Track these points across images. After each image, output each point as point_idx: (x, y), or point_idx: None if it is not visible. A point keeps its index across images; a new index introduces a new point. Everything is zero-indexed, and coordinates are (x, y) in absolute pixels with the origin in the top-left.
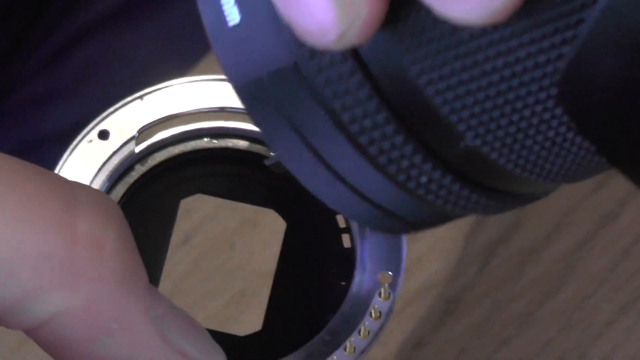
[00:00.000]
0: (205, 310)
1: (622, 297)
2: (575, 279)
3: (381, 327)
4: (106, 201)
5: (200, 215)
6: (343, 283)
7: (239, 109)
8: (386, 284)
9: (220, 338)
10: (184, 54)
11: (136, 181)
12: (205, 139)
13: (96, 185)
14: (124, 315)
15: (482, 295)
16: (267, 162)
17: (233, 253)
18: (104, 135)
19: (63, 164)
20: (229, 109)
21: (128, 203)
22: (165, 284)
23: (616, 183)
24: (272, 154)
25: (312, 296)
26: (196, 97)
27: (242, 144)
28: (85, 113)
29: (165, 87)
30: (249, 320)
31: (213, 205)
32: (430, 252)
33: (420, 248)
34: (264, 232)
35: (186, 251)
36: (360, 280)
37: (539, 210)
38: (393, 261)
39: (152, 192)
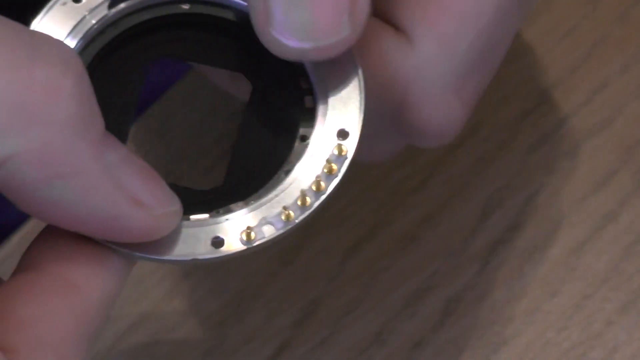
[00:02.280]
0: (205, 310)
1: (622, 297)
2: (575, 279)
3: (335, 185)
4: (66, 50)
5: None
6: (303, 140)
7: None
8: (343, 141)
9: (181, 191)
10: None
11: (108, 44)
12: (184, 5)
13: (74, 41)
14: (75, 159)
15: (482, 295)
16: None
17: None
18: None
19: (37, 25)
20: None
21: (99, 64)
22: (165, 283)
23: (616, 183)
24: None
25: (272, 150)
26: None
27: (215, 10)
28: None
29: None
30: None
31: None
32: (431, 251)
33: (421, 248)
34: None
35: None
36: (319, 136)
37: (539, 210)
38: (351, 121)
39: (123, 55)
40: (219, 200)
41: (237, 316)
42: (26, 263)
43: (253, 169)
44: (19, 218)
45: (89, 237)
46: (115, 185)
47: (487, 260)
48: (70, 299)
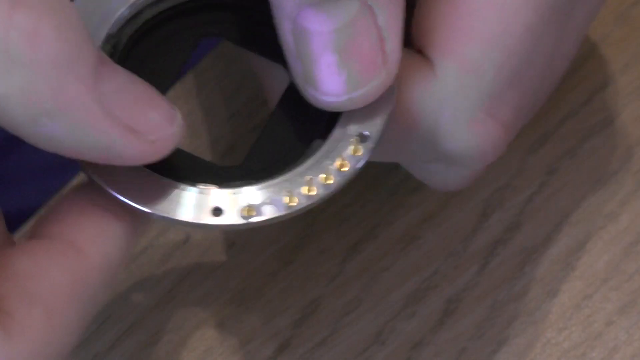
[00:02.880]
0: (206, 310)
1: (622, 297)
2: (575, 279)
3: (344, 181)
4: None
5: None
6: (324, 138)
7: None
8: (359, 142)
9: (198, 162)
10: None
11: (161, 12)
12: None
13: (120, 9)
14: (62, 97)
15: (482, 295)
16: None
17: (233, 252)
18: None
19: None
20: None
21: (150, 30)
22: (165, 283)
23: (616, 183)
24: None
25: (294, 142)
26: None
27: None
28: None
29: None
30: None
31: None
32: (431, 251)
33: (421, 247)
34: (264, 231)
35: (186, 251)
36: (340, 135)
37: (539, 210)
38: (373, 127)
39: (173, 26)
40: (232, 176)
41: (237, 316)
42: (35, 229)
43: (273, 156)
44: (20, 217)
45: (96, 204)
46: (106, 116)
47: (487, 260)
48: (69, 259)
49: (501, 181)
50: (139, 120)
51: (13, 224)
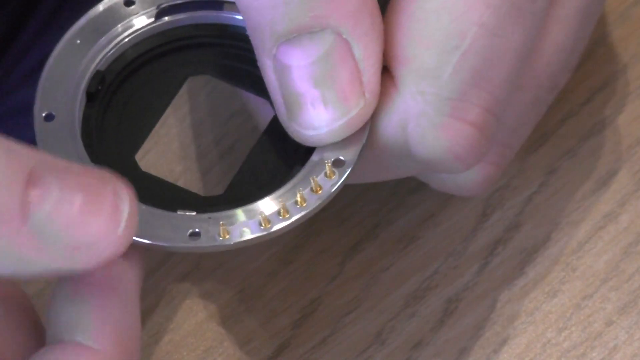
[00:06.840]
0: (206, 310)
1: (622, 297)
2: (575, 279)
3: (318, 203)
4: None
5: None
6: (303, 165)
7: None
8: (332, 166)
9: (183, 194)
10: None
11: (148, 51)
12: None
13: (107, 47)
14: None
15: (482, 295)
16: None
17: (233, 252)
18: (129, 3)
19: (91, 13)
20: None
21: (138, 68)
22: (165, 284)
23: (616, 183)
24: None
25: (275, 172)
26: None
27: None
28: None
29: None
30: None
31: None
32: (431, 251)
33: (421, 247)
34: None
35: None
36: (317, 161)
37: (539, 210)
38: (349, 153)
39: (160, 64)
40: (212, 204)
41: (237, 316)
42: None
43: (253, 184)
44: None
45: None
46: (42, 249)
47: (487, 260)
48: None
49: (501, 181)
50: (80, 239)
51: None
